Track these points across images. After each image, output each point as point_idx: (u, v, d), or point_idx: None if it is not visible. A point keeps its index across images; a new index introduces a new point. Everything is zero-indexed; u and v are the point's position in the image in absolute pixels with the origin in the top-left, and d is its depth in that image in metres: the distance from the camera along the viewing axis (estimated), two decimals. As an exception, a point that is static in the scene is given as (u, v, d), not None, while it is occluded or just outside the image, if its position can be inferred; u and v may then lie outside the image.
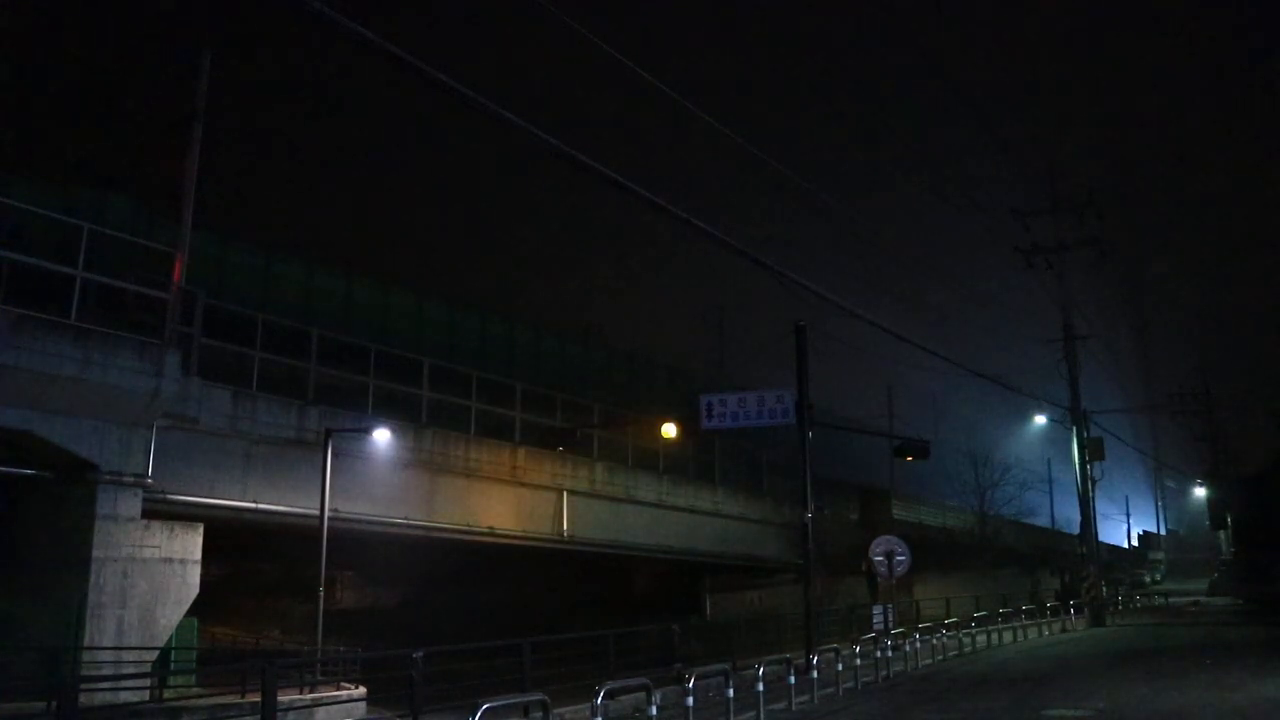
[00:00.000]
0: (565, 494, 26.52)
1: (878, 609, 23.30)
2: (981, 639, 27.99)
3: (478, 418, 25.14)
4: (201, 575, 17.04)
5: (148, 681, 15.48)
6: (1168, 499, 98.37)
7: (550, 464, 26.21)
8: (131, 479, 16.20)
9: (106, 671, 14.80)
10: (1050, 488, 63.73)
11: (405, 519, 22.51)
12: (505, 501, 25.00)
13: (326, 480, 18.68)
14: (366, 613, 36.27)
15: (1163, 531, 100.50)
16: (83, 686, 13.51)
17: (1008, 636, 30.18)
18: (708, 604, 35.34)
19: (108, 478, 15.87)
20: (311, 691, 16.62)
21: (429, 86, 9.31)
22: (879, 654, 19.31)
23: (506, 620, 28.20)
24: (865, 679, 17.86)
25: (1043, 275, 36.69)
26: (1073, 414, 37.71)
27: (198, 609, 17.44)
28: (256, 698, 12.11)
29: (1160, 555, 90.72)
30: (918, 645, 22.14)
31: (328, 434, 18.98)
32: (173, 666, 17.33)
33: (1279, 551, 39.05)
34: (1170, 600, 56.37)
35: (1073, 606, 37.47)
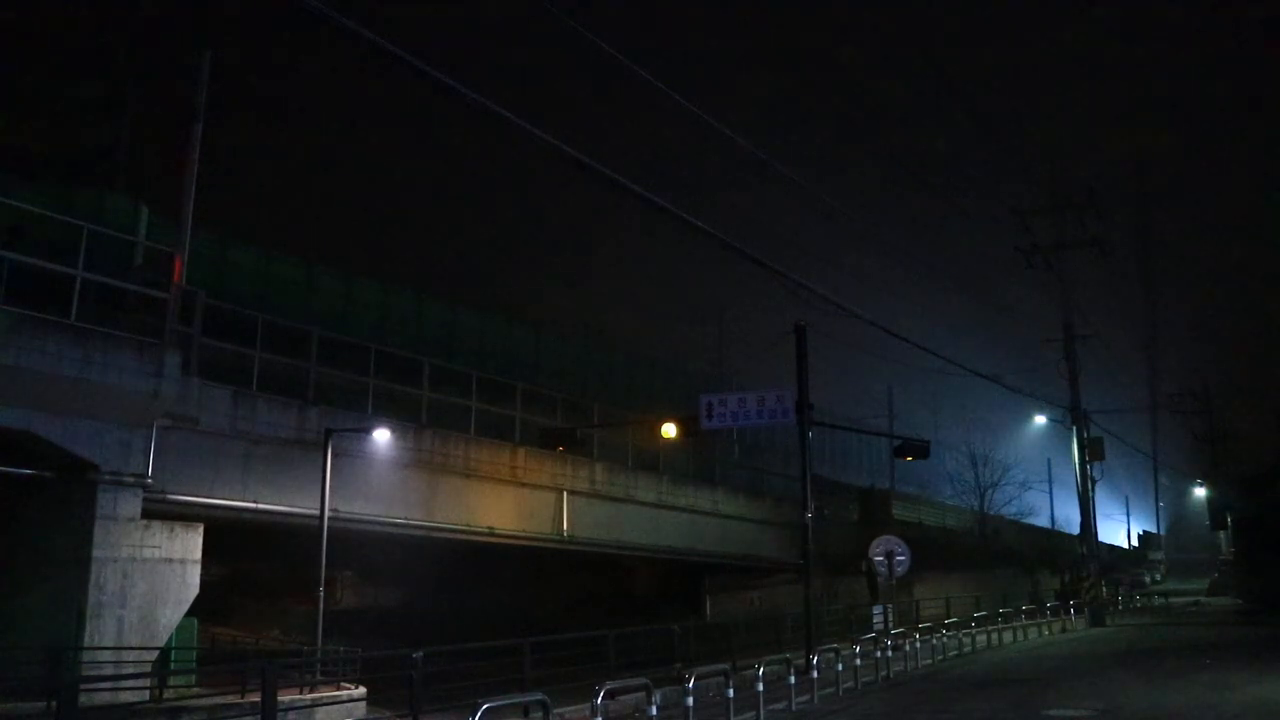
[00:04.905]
0: (565, 494, 26.50)
1: (877, 609, 23.30)
2: (981, 639, 28.00)
3: (478, 418, 25.12)
4: (201, 575, 17.04)
5: (148, 681, 15.46)
6: (1167, 499, 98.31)
7: (550, 464, 26.19)
8: (131, 479, 16.20)
9: (107, 671, 14.79)
10: (1050, 488, 63.72)
11: (405, 519, 22.51)
12: (505, 501, 24.99)
13: (326, 480, 18.68)
14: (366, 613, 36.28)
15: (1162, 531, 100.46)
16: (83, 686, 13.54)
17: (1008, 636, 30.19)
18: (708, 604, 35.32)
19: (108, 478, 15.87)
20: (311, 691, 16.61)
21: (428, 85, 9.32)
22: (879, 654, 19.33)
23: (506, 620, 28.20)
24: (865, 679, 17.86)
25: (1043, 275, 36.78)
26: (1073, 414, 37.74)
27: (198, 609, 17.45)
28: (256, 698, 12.12)
29: (1160, 555, 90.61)
30: (918, 645, 22.15)
31: (328, 434, 18.99)
32: (173, 666, 17.32)
33: (1279, 551, 39.03)
34: (1170, 600, 56.35)
35: (1073, 606, 37.48)
